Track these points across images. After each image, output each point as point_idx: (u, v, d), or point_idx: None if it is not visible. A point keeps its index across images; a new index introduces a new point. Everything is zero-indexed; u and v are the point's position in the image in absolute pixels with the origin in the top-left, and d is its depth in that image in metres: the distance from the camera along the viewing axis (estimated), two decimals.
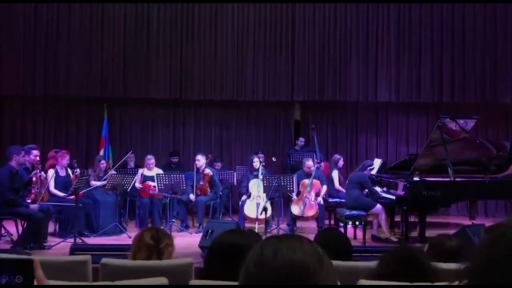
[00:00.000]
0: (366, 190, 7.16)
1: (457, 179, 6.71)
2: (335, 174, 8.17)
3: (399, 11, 10.06)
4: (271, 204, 7.63)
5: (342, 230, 6.75)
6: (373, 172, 7.79)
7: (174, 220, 7.87)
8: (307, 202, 7.54)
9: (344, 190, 8.03)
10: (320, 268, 1.00)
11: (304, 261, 1.00)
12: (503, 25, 10.05)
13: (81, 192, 6.92)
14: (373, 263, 2.69)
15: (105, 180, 7.58)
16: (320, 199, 7.67)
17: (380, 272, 1.94)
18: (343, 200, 7.64)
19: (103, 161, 8.06)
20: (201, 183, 8.08)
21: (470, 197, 7.27)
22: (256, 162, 8.09)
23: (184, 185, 7.70)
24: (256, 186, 7.74)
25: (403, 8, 10.06)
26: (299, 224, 7.91)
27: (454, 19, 10.05)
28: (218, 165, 9.28)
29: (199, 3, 9.90)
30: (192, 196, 7.96)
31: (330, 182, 8.10)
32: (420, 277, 1.87)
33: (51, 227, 7.12)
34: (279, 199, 7.78)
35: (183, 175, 7.81)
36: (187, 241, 6.80)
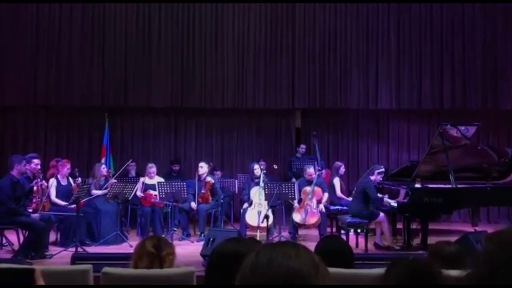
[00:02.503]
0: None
1: (459, 186, 6.70)
2: (336, 181, 8.16)
3: (399, 18, 10.10)
4: (273, 212, 7.60)
5: (344, 237, 6.73)
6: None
7: (175, 229, 7.85)
8: (309, 209, 7.53)
9: (345, 198, 8.02)
10: (315, 275, 1.00)
11: (299, 268, 1.00)
12: (503, 31, 10.08)
13: (82, 201, 6.92)
14: (374, 271, 2.68)
15: (106, 189, 7.58)
16: (321, 206, 7.65)
17: (387, 282, 1.92)
18: (345, 208, 7.62)
19: (103, 166, 8.06)
20: (203, 191, 8.07)
21: (472, 204, 7.26)
22: (257, 170, 8.08)
23: (185, 193, 7.69)
24: (257, 194, 7.73)
25: (403, 15, 10.10)
26: (301, 231, 7.89)
27: (454, 26, 10.08)
28: (218, 174, 9.27)
29: (200, 12, 9.94)
30: (193, 205, 7.95)
31: (331, 189, 8.08)
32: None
33: (52, 236, 7.10)
34: (281, 206, 7.77)
35: (184, 183, 7.80)
36: (188, 250, 6.79)
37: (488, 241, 1.21)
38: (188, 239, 7.76)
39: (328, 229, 7.94)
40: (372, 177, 7.19)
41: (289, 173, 9.53)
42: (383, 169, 7.49)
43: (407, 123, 10.51)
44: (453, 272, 2.33)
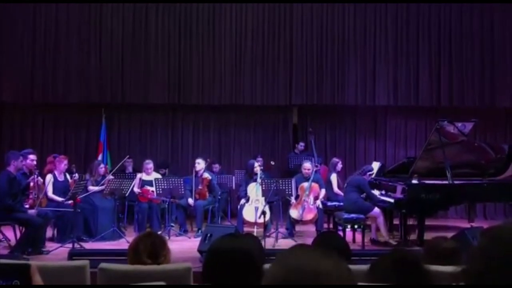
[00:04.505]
0: (365, 193, 7.16)
1: (456, 182, 6.72)
2: (333, 177, 8.17)
3: (397, 15, 10.09)
4: (270, 208, 7.60)
5: (341, 233, 6.75)
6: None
7: (172, 225, 7.86)
8: (306, 205, 7.54)
9: (342, 194, 8.04)
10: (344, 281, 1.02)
11: (326, 272, 1.01)
12: (500, 29, 10.08)
13: (79, 197, 6.91)
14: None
15: (103, 185, 7.57)
16: (318, 202, 7.67)
17: (373, 276, 1.93)
18: (341, 204, 7.63)
19: (102, 165, 8.05)
20: (200, 187, 8.07)
21: (468, 200, 7.29)
22: (257, 168, 8.02)
23: (182, 189, 7.69)
24: (254, 190, 7.73)
25: (401, 12, 10.09)
26: (298, 228, 7.90)
27: (451, 23, 10.08)
28: (217, 167, 9.27)
29: (197, 8, 9.92)
30: (190, 201, 7.95)
31: (328, 185, 8.09)
32: (416, 281, 1.87)
33: (49, 232, 7.10)
34: (278, 203, 7.78)
35: (181, 180, 7.80)
36: (185, 246, 6.80)
37: (483, 236, 1.21)
38: (185, 235, 7.76)
39: (325, 225, 7.95)
40: (364, 177, 7.24)
41: (289, 169, 9.51)
42: (373, 171, 7.54)
43: (405, 119, 10.53)
44: (449, 268, 2.34)
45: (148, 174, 8.18)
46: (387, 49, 10.06)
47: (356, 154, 10.40)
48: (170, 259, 2.93)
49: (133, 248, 2.86)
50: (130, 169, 9.10)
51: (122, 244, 6.78)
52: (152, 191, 7.83)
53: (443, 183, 6.75)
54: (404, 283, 1.83)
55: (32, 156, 6.79)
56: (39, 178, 6.89)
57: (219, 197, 8.43)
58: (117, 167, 8.40)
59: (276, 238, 7.19)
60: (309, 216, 7.53)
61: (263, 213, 6.99)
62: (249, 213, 7.56)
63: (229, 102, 10.01)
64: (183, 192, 7.75)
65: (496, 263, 1.12)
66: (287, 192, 7.43)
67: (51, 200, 7.04)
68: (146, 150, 10.07)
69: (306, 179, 7.75)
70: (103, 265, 3.02)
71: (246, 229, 7.53)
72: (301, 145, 9.88)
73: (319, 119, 10.45)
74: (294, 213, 7.55)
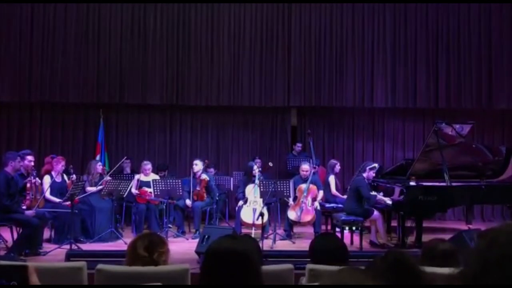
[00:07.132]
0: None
1: (453, 184, 6.73)
2: (331, 179, 8.17)
3: (395, 17, 10.11)
4: (268, 209, 7.61)
5: (339, 235, 6.75)
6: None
7: (170, 226, 7.85)
8: (304, 207, 7.54)
9: (340, 195, 8.04)
10: None
11: None
12: (498, 31, 10.11)
13: (76, 198, 6.89)
14: None
15: (101, 185, 7.56)
16: (316, 204, 7.67)
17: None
18: (340, 205, 7.64)
19: (99, 164, 8.03)
20: (198, 188, 8.07)
21: (466, 202, 7.30)
22: (256, 170, 8.02)
23: (180, 190, 7.68)
24: (252, 192, 7.73)
25: (399, 14, 10.11)
26: (295, 229, 7.90)
27: (449, 25, 10.10)
28: (212, 171, 9.26)
29: (195, 9, 9.92)
30: (188, 202, 7.95)
31: (326, 187, 8.09)
32: (411, 282, 1.87)
33: (46, 233, 7.08)
34: (276, 204, 7.77)
35: (179, 181, 7.79)
36: (183, 247, 6.79)
37: (480, 238, 1.22)
38: (183, 236, 7.76)
39: (323, 227, 7.95)
40: (365, 174, 7.19)
41: (288, 170, 9.50)
42: (374, 165, 7.51)
43: (403, 121, 10.54)
44: (446, 270, 2.34)
45: (146, 175, 8.17)
46: (385, 51, 10.07)
47: (354, 155, 10.41)
48: (168, 259, 2.93)
49: (131, 246, 2.87)
50: (128, 170, 9.08)
51: (120, 245, 6.78)
52: (150, 192, 7.82)
53: (441, 185, 6.76)
54: (399, 284, 1.83)
55: (29, 157, 6.79)
56: (37, 179, 6.88)
57: (217, 199, 8.42)
58: (114, 168, 8.39)
59: (274, 240, 7.19)
60: (307, 217, 7.53)
61: (261, 214, 6.99)
62: (247, 214, 7.56)
63: (227, 103, 10.01)
64: (181, 193, 7.75)
65: (493, 265, 1.13)
66: (285, 194, 7.43)
67: (48, 201, 7.03)
68: (144, 151, 10.06)
69: (304, 180, 7.75)
70: (101, 266, 3.01)
71: (244, 230, 7.53)
72: (298, 146, 9.88)
73: (317, 121, 10.46)
74: (292, 214, 7.55)
